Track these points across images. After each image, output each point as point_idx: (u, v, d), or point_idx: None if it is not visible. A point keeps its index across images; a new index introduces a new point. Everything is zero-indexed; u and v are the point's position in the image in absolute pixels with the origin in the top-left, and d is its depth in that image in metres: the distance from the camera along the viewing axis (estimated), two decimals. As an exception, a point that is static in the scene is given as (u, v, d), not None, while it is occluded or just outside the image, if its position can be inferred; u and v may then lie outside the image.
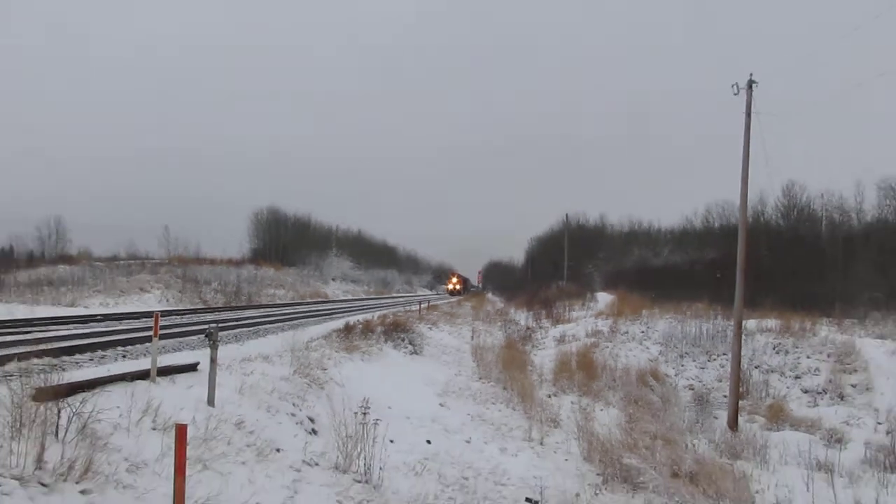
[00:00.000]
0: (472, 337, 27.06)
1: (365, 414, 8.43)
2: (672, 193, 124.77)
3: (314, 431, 9.01)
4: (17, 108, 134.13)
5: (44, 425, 5.36)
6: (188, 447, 5.01)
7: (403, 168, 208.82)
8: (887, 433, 16.83)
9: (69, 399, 6.12)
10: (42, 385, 6.12)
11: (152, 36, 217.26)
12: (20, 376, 6.22)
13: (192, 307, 30.66)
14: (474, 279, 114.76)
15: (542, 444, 12.39)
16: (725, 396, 20.25)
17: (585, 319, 35.17)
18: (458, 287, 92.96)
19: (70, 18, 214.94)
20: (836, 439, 16.91)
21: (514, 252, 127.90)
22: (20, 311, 21.48)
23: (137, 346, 12.42)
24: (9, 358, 8.40)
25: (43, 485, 4.77)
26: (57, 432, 5.50)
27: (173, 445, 4.82)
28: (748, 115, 19.68)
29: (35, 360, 7.41)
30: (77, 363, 10.04)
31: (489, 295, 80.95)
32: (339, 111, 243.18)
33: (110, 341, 12.68)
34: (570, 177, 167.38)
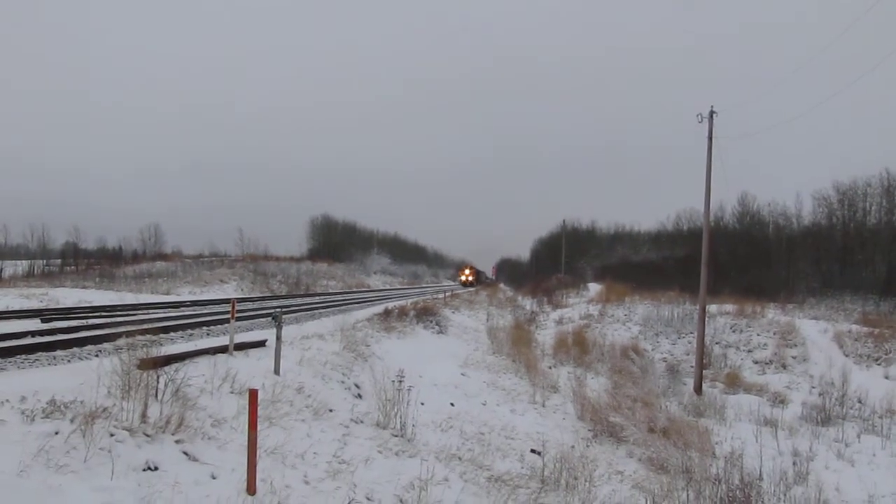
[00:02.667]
0: (487, 319, 26.87)
1: (400, 382, 8.44)
2: (649, 201, 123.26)
3: (359, 396, 9.02)
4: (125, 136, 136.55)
5: (146, 388, 5.45)
6: (259, 407, 5.04)
7: (432, 178, 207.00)
8: (819, 395, 17.15)
9: (165, 368, 6.22)
10: (145, 356, 6.22)
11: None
12: (128, 349, 6.32)
13: (261, 295, 30.78)
14: (489, 273, 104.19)
15: (544, 406, 12.32)
16: (692, 367, 20.08)
17: (579, 305, 34.89)
18: (470, 279, 75.94)
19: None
20: (779, 400, 17.10)
21: (522, 250, 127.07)
22: (128, 298, 21.83)
23: (218, 326, 12.48)
24: (119, 335, 8.51)
25: (147, 435, 4.84)
26: (156, 394, 5.58)
27: (247, 406, 4.85)
28: (710, 139, 19.47)
29: (139, 337, 7.50)
30: (171, 339, 10.16)
31: (501, 285, 76.63)
32: (380, 128, 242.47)
33: (197, 322, 12.76)
34: (567, 188, 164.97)
